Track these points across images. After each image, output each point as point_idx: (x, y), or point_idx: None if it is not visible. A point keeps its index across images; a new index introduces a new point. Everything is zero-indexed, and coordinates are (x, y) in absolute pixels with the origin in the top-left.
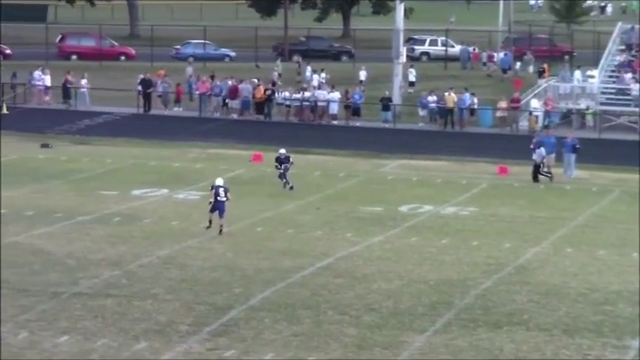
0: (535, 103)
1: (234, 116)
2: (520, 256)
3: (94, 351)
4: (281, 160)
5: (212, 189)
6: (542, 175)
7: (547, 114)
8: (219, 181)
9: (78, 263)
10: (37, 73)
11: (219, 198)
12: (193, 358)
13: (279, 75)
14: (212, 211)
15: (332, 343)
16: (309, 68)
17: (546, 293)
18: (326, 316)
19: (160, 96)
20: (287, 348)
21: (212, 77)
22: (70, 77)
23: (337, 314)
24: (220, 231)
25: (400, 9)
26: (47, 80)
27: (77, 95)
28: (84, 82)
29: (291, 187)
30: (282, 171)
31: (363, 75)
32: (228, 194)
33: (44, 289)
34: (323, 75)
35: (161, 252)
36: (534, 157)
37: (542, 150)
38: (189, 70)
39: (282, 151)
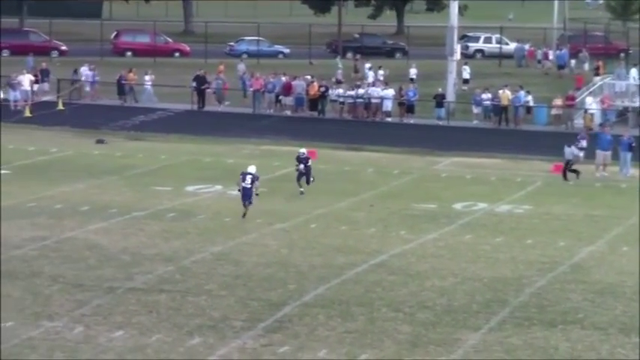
0: (590, 101)
1: (288, 113)
2: (575, 254)
3: (149, 346)
4: (301, 160)
5: (241, 175)
6: (566, 172)
7: (604, 112)
8: (250, 169)
9: (132, 258)
10: (83, 69)
11: (243, 184)
12: (247, 353)
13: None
14: (243, 199)
15: (386, 340)
16: (367, 65)
17: (602, 292)
18: (380, 313)
19: (214, 92)
20: (341, 344)
21: (277, 74)
22: (132, 74)
23: (391, 311)
24: (244, 215)
25: (454, 6)
26: (95, 77)
27: (141, 91)
28: (147, 78)
29: (313, 180)
30: (302, 171)
31: (413, 72)
32: (256, 183)
33: (99, 284)
34: (381, 72)
35: (215, 248)
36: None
37: (573, 149)
38: (242, 66)
39: (303, 150)
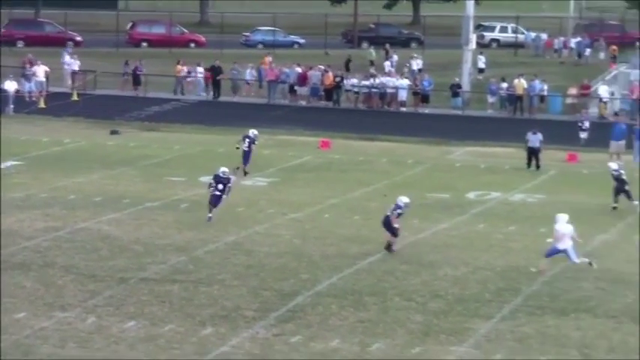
0: (604, 90)
1: (303, 103)
2: (587, 243)
3: (161, 336)
4: (220, 180)
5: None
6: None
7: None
8: (251, 132)
9: (145, 249)
10: (66, 57)
11: (243, 147)
12: (259, 343)
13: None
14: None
15: (398, 330)
16: (395, 57)
17: (614, 280)
18: (392, 302)
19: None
20: (353, 334)
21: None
22: (179, 66)
23: (403, 300)
24: (238, 168)
25: None
26: (75, 65)
27: (192, 83)
28: (200, 69)
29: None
30: (217, 193)
31: (415, 64)
32: (253, 144)
33: (112, 274)
34: (420, 62)
35: (228, 238)
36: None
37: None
38: (269, 59)
39: (224, 169)
